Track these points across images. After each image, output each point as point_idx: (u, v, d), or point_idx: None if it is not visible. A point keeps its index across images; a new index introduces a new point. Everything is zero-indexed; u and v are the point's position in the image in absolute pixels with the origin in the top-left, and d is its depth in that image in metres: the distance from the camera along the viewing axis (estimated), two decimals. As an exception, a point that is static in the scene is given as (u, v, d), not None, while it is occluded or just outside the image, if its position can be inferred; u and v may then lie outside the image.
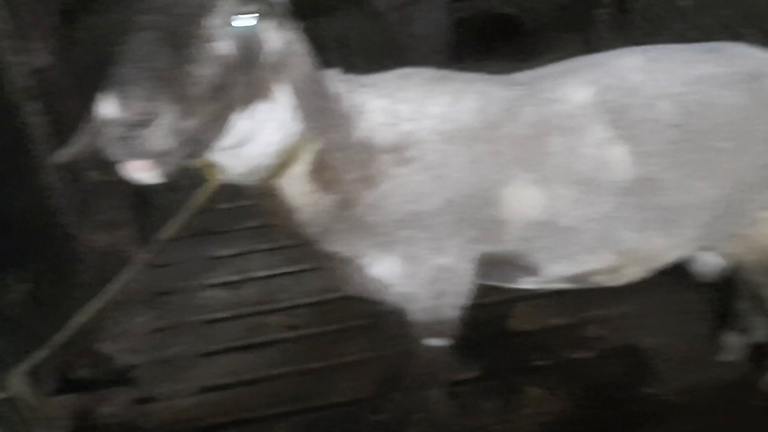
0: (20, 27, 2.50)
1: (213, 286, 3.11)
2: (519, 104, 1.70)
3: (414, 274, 1.75)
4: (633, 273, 1.91)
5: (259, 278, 3.11)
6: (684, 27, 3.78)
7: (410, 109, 1.65)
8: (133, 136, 1.17)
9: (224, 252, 3.36)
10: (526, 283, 1.93)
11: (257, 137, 1.47)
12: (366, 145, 1.62)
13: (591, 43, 4.47)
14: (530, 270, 1.84)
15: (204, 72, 1.27)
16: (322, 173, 1.60)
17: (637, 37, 4.34)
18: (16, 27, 2.47)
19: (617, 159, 1.67)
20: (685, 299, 2.74)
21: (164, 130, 1.20)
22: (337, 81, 1.63)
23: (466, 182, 1.67)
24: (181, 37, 1.25)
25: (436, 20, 4.59)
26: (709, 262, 2.15)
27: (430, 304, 1.83)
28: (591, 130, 1.67)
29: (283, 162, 1.54)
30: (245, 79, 1.36)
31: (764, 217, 1.79)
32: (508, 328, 2.73)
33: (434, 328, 1.92)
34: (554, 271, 1.84)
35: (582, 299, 2.66)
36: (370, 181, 1.62)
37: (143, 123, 1.18)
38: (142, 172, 1.23)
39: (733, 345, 2.53)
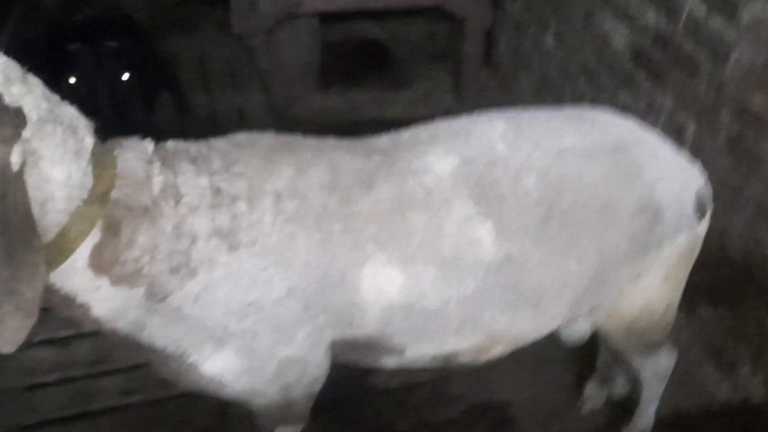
0: None
1: (39, 343, 2.70)
2: (375, 176, 1.53)
3: (254, 369, 1.52)
4: (500, 351, 1.79)
5: (91, 335, 2.73)
6: (546, 67, 3.84)
7: (244, 186, 1.43)
8: None
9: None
10: (389, 364, 1.75)
11: None
12: (182, 232, 1.36)
13: (457, 74, 4.46)
14: (392, 351, 1.67)
15: None
16: (117, 265, 1.33)
17: (502, 74, 4.40)
18: None
19: (480, 237, 1.54)
20: (547, 350, 2.71)
21: None
22: (132, 156, 1.36)
23: (313, 266, 1.46)
24: None
25: (304, 45, 4.41)
26: (575, 328, 2.10)
27: (276, 398, 1.61)
28: (453, 205, 1.53)
29: (51, 256, 1.24)
30: None
31: (629, 289, 1.74)
32: (369, 385, 2.57)
33: (283, 417, 1.70)
34: (419, 351, 1.68)
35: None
36: (190, 271, 1.38)
37: None
38: None
39: (594, 396, 2.53)
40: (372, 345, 1.62)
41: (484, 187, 1.55)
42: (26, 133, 1.15)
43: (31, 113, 1.17)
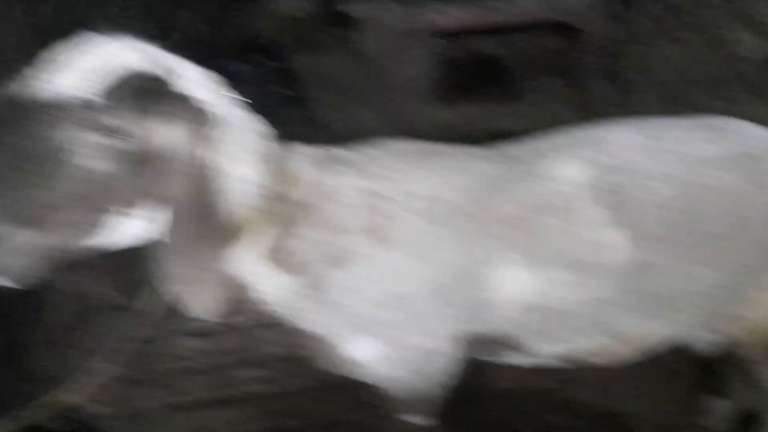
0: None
1: (186, 333, 3.00)
2: (509, 181, 1.65)
3: (395, 356, 1.68)
4: (627, 355, 1.85)
5: (237, 327, 3.01)
6: (673, 79, 3.79)
7: (389, 187, 1.59)
8: None
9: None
10: (514, 360, 1.86)
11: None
12: (336, 227, 1.55)
13: (578, 89, 4.47)
14: (518, 348, 1.78)
15: (64, 185, 1.24)
16: (283, 255, 1.53)
17: (625, 87, 4.36)
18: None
19: (613, 242, 1.61)
20: (670, 362, 2.69)
21: (13, 250, 1.21)
22: (296, 158, 1.56)
23: (452, 263, 1.60)
24: (31, 152, 1.22)
25: (424, 60, 4.59)
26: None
27: (412, 386, 1.76)
28: (586, 211, 1.62)
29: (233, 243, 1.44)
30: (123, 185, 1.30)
31: (764, 298, 1.75)
32: (491, 388, 2.66)
33: (415, 406, 1.84)
34: (544, 350, 1.78)
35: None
36: (341, 262, 1.56)
37: None
38: None
39: (718, 410, 2.49)
40: (504, 343, 1.74)
41: (618, 194, 1.62)
42: (210, 130, 1.34)
43: (214, 113, 1.36)
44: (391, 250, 1.57)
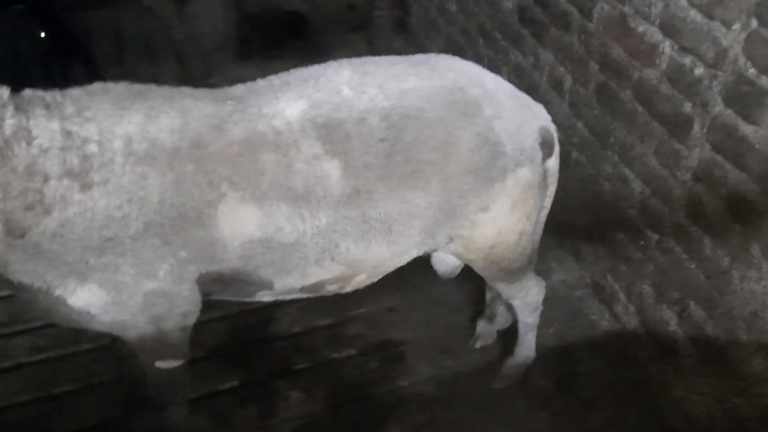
0: None
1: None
2: (228, 120, 1.65)
3: (120, 301, 1.64)
4: (363, 280, 1.95)
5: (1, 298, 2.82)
6: (451, 30, 3.99)
7: (95, 130, 1.53)
8: None
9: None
10: (263, 297, 1.90)
11: None
12: (34, 171, 1.47)
13: (373, 44, 4.59)
14: (262, 284, 1.81)
15: None
16: None
17: (414, 39, 4.55)
18: None
19: (328, 174, 1.68)
20: (442, 295, 2.89)
21: None
22: None
23: (168, 204, 1.58)
24: None
25: (219, 15, 4.47)
26: (448, 260, 2.27)
27: (149, 331, 1.74)
28: (302, 145, 1.67)
29: None
30: None
31: (480, 218, 1.90)
32: (271, 332, 2.71)
33: (159, 351, 1.83)
34: (286, 284, 1.83)
35: (345, 299, 2.71)
36: (44, 209, 1.49)
37: None
38: None
39: (485, 332, 2.71)
40: (239, 279, 1.76)
41: (331, 128, 1.68)
42: None
43: None
44: (94, 193, 1.52)
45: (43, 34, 3.36)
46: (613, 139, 2.66)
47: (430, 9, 4.27)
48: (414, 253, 1.96)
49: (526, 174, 1.91)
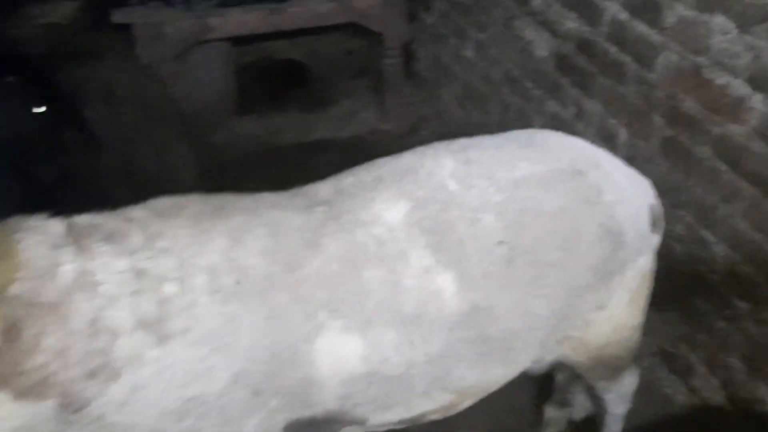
0: None
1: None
2: (322, 233, 1.35)
3: None
4: (469, 403, 1.65)
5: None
6: (469, 76, 3.78)
7: (172, 264, 1.23)
8: None
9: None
10: None
11: None
12: (99, 328, 1.16)
13: (379, 90, 4.35)
14: (353, 422, 1.49)
15: None
16: (18, 376, 1.11)
17: (425, 86, 4.31)
18: None
19: (442, 289, 1.39)
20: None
21: None
22: (50, 243, 1.16)
23: (260, 346, 1.27)
24: None
25: (217, 70, 4.19)
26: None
27: None
28: (410, 257, 1.37)
29: None
30: None
31: (595, 317, 1.65)
32: None
33: None
34: (384, 419, 1.52)
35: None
36: (111, 373, 1.17)
37: None
38: None
39: (555, 418, 2.44)
40: (332, 421, 1.45)
41: (441, 233, 1.40)
42: None
43: None
44: (174, 346, 1.21)
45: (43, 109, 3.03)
46: (685, 198, 2.44)
47: (442, 55, 4.05)
48: (526, 367, 1.67)
49: (643, 263, 1.67)
